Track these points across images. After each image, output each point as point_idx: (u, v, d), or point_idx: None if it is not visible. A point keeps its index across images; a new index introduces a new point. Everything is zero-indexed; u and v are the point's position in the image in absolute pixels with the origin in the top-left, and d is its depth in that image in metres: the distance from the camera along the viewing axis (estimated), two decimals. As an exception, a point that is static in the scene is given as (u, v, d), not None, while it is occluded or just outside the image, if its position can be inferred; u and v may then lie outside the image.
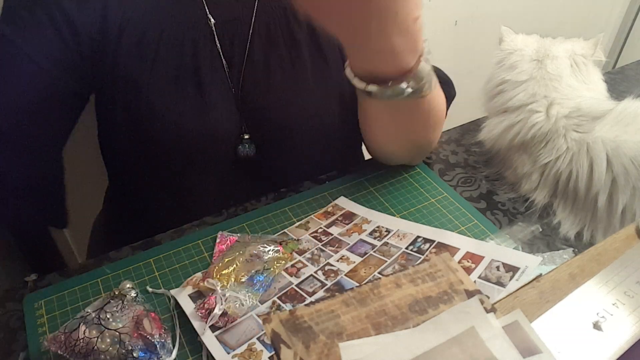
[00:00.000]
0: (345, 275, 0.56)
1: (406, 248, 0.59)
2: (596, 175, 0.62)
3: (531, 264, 0.53)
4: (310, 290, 0.55)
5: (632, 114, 0.64)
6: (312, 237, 0.63)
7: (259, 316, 0.52)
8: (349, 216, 0.66)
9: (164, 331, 0.50)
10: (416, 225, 0.63)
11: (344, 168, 0.75)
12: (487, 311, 0.47)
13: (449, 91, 0.74)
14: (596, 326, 0.45)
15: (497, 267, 0.54)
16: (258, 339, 0.49)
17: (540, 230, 0.64)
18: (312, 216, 0.67)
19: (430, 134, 0.68)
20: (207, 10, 0.64)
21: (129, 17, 0.62)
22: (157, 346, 0.48)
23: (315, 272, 0.57)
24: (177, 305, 0.55)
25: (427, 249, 0.58)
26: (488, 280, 0.52)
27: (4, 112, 0.58)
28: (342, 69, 0.71)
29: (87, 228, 0.94)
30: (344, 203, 0.68)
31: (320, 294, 0.54)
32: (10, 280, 0.97)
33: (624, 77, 1.00)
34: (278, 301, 0.54)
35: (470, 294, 0.50)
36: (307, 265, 0.58)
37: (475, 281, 0.52)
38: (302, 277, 0.57)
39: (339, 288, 0.54)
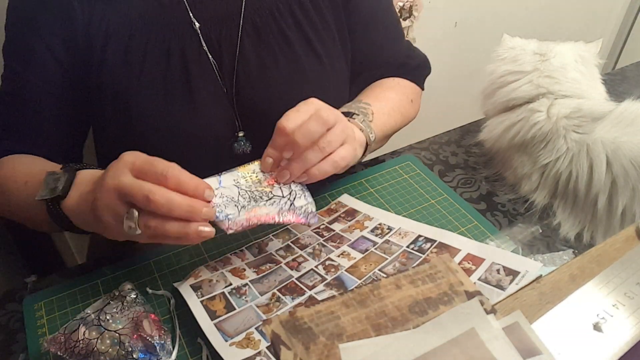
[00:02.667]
0: (346, 270, 0.56)
1: (407, 247, 0.59)
2: (596, 176, 0.62)
3: (532, 268, 0.53)
4: (310, 284, 0.55)
5: (632, 115, 0.64)
6: (314, 232, 0.63)
7: (258, 307, 0.52)
8: (351, 213, 0.66)
9: (164, 332, 0.49)
10: (418, 225, 0.63)
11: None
12: (488, 312, 0.47)
13: (423, 72, 0.88)
14: (596, 327, 0.44)
15: (498, 270, 0.54)
16: (256, 328, 0.49)
17: (540, 231, 0.64)
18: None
19: (412, 118, 0.82)
20: (191, 14, 0.64)
21: (113, 27, 0.62)
22: (157, 347, 0.48)
23: (316, 267, 0.57)
24: (177, 306, 0.55)
25: (428, 249, 0.58)
26: (488, 282, 0.52)
27: (28, 135, 0.66)
28: (334, 61, 0.72)
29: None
30: (347, 200, 0.69)
31: (320, 287, 0.54)
32: (10, 281, 0.97)
33: (624, 78, 1.01)
34: (278, 293, 0.54)
35: (470, 295, 0.50)
36: (307, 260, 0.58)
37: (475, 283, 0.52)
38: (303, 271, 0.57)
39: (339, 283, 0.55)
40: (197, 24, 0.64)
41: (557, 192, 0.67)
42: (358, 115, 0.66)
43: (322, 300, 0.51)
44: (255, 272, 0.57)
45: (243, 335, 0.49)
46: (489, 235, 0.62)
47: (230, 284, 0.55)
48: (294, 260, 0.59)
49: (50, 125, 0.67)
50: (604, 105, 0.68)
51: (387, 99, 0.75)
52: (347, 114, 0.66)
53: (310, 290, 0.54)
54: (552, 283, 0.49)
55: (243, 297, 0.53)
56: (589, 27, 1.93)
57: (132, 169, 0.47)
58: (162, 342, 0.48)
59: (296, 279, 0.56)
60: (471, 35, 1.63)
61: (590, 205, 0.64)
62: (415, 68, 0.84)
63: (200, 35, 0.65)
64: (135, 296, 0.51)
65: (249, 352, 0.47)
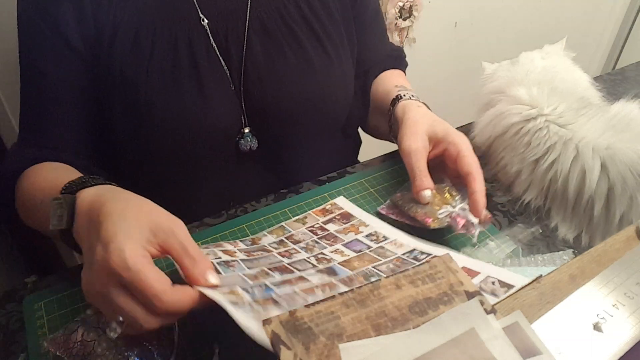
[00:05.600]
0: (338, 263, 0.56)
1: (402, 254, 0.58)
2: (588, 182, 0.61)
3: (522, 282, 0.52)
4: (301, 268, 0.54)
5: (626, 119, 0.63)
6: (308, 230, 0.63)
7: (245, 275, 0.50)
8: (346, 216, 0.66)
9: (163, 337, 0.49)
10: (414, 240, 0.61)
11: (344, 158, 0.76)
12: (487, 312, 0.47)
13: (404, 64, 0.90)
14: (596, 327, 0.44)
15: (493, 282, 0.54)
16: (241, 287, 0.48)
17: (540, 231, 0.64)
18: (310, 212, 0.67)
19: None
20: (199, 10, 0.64)
21: (120, 19, 0.62)
22: (154, 353, 0.47)
23: (308, 258, 0.57)
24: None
25: (423, 259, 0.57)
26: (483, 290, 0.52)
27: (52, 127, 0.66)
28: (341, 57, 0.72)
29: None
30: (343, 203, 0.68)
31: (311, 272, 0.53)
32: (10, 281, 0.97)
33: (624, 78, 1.00)
34: (266, 269, 0.52)
35: (470, 295, 0.50)
36: (300, 252, 0.58)
37: None
38: (294, 259, 0.56)
39: (330, 271, 0.54)
40: (205, 20, 0.64)
41: (549, 193, 0.66)
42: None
43: (322, 300, 0.51)
44: (246, 254, 0.56)
45: (227, 289, 0.47)
46: (489, 235, 0.62)
47: (220, 258, 0.54)
48: (286, 251, 0.58)
49: (75, 120, 0.66)
50: (587, 98, 0.71)
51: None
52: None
53: (300, 271, 0.53)
54: (552, 283, 0.49)
55: (231, 269, 0.52)
56: (589, 27, 1.93)
57: (121, 283, 0.43)
58: (160, 347, 0.48)
59: (287, 264, 0.55)
60: (471, 35, 1.63)
61: (585, 211, 0.63)
62: (404, 59, 0.90)
63: (208, 31, 0.65)
64: (135, 298, 0.51)
65: (233, 298, 0.45)
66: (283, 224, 0.65)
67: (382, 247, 0.60)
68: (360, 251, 0.59)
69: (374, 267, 0.55)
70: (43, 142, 0.66)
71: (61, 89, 0.64)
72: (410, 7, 1.44)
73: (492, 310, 0.47)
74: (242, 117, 0.68)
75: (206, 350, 0.51)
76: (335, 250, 0.59)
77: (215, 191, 0.73)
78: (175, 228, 0.46)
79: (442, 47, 1.61)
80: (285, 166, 0.75)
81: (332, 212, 0.67)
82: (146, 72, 0.63)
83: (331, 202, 0.69)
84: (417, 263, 0.56)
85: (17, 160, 0.65)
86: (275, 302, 0.47)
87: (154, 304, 0.42)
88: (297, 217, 0.66)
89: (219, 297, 0.45)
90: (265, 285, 0.49)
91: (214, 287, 0.46)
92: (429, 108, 0.71)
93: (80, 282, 0.58)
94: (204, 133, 0.66)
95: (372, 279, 0.54)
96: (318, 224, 0.64)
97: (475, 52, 1.67)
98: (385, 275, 0.53)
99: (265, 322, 0.49)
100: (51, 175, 0.60)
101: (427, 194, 0.58)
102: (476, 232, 0.58)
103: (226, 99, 0.67)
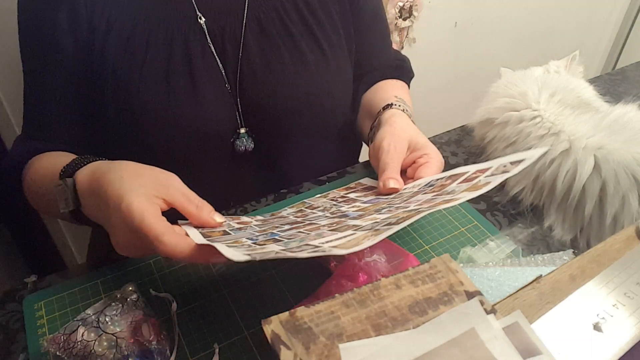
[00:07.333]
0: (353, 210, 0.54)
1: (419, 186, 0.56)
2: (578, 176, 0.61)
3: (535, 154, 0.51)
4: (313, 218, 0.53)
5: (621, 121, 0.63)
6: (330, 199, 0.62)
7: (254, 232, 0.51)
8: (370, 188, 0.65)
9: (163, 337, 0.49)
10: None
11: (343, 160, 0.76)
12: (487, 312, 0.47)
13: (412, 75, 0.88)
14: (596, 327, 0.45)
15: (504, 166, 0.52)
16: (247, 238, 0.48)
17: (541, 231, 0.64)
18: (333, 190, 0.66)
19: None
20: (197, 8, 0.64)
21: (115, 17, 0.63)
22: (154, 353, 0.47)
23: (323, 212, 0.55)
24: (178, 308, 0.55)
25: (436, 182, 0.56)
26: (493, 175, 0.51)
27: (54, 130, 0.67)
28: (339, 59, 0.72)
29: (87, 229, 0.94)
30: (368, 181, 0.68)
31: (322, 219, 0.52)
32: (10, 281, 0.97)
33: (624, 78, 1.01)
34: (277, 225, 0.52)
35: (470, 295, 0.50)
36: (315, 212, 0.57)
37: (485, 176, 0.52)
38: (309, 216, 0.55)
39: (341, 215, 0.53)
40: (202, 18, 0.64)
41: (537, 186, 0.65)
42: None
43: (322, 300, 0.51)
44: (261, 222, 0.56)
45: (232, 241, 0.47)
46: (489, 235, 0.62)
47: (233, 227, 0.53)
48: (302, 213, 0.58)
49: (70, 121, 0.67)
50: (583, 97, 0.71)
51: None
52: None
53: (311, 220, 0.52)
54: (552, 283, 0.49)
55: (241, 231, 0.52)
56: (588, 27, 1.94)
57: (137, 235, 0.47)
58: (160, 347, 0.48)
59: (300, 219, 0.54)
60: (471, 35, 1.63)
61: (579, 211, 0.63)
62: (409, 70, 0.87)
63: (205, 30, 0.65)
64: (136, 299, 0.51)
65: (232, 243, 0.46)
66: (304, 200, 0.64)
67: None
68: (377, 200, 0.57)
69: (387, 202, 0.54)
70: (42, 136, 0.67)
71: (55, 88, 0.65)
72: (410, 7, 1.44)
73: (492, 310, 0.47)
74: (238, 117, 0.68)
75: (206, 350, 0.51)
76: (352, 206, 0.57)
77: (211, 192, 0.73)
78: (172, 181, 0.50)
79: (442, 47, 1.61)
80: (281, 167, 0.75)
81: (355, 188, 0.66)
82: (139, 71, 0.63)
83: (356, 182, 0.68)
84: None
85: (20, 152, 0.67)
86: (276, 240, 0.47)
87: (156, 245, 0.45)
88: (319, 195, 0.65)
89: (216, 244, 0.45)
90: (272, 232, 0.50)
91: (219, 225, 0.50)
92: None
93: (80, 283, 0.58)
94: (198, 133, 0.66)
95: (383, 211, 0.52)
96: (340, 194, 0.63)
97: (475, 52, 1.67)
98: (398, 210, 0.51)
99: (265, 322, 0.49)
100: (51, 162, 0.63)
101: (392, 183, 0.57)
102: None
103: (221, 98, 0.67)
